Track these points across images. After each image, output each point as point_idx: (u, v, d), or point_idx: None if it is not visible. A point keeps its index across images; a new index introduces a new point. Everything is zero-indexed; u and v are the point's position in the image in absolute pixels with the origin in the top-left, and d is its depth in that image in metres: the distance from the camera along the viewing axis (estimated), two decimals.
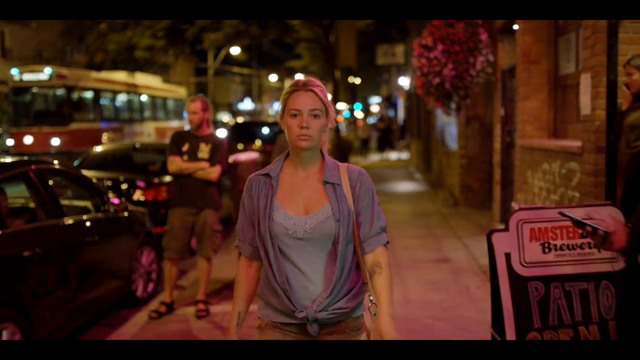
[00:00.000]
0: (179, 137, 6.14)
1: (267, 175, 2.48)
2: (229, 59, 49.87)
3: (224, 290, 6.87)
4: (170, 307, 6.13)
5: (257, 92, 72.68)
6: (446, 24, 8.79)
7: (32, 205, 5.54)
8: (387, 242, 2.49)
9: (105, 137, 20.53)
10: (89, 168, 9.35)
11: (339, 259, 2.38)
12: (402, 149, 33.82)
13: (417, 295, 6.53)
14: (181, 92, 29.76)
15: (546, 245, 2.94)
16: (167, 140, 11.48)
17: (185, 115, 26.12)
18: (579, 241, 2.91)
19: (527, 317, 2.91)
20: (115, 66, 36.66)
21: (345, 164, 2.50)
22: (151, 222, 7.11)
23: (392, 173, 21.18)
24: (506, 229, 2.96)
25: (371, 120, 54.39)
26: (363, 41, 30.23)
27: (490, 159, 11.23)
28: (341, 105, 43.56)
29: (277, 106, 66.45)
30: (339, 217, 2.38)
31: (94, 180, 6.80)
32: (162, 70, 42.83)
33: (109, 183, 8.75)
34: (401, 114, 38.00)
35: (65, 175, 6.00)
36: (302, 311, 2.38)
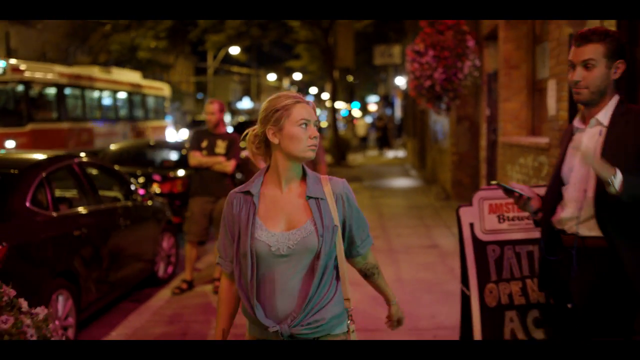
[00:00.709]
0: (199, 135, 6.99)
1: (247, 192, 2.47)
2: (228, 59, 50.55)
3: None
4: (190, 285, 6.98)
5: (256, 91, 73.39)
6: (437, 32, 9.63)
7: (73, 194, 6.38)
8: (372, 242, 2.62)
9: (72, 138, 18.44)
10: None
11: (318, 274, 2.38)
12: (399, 147, 34.65)
13: (409, 274, 7.39)
14: (164, 89, 27.54)
15: (501, 216, 3.81)
16: (147, 142, 12.46)
17: (170, 116, 25.66)
18: (526, 214, 3.76)
19: (487, 273, 3.77)
20: (118, 66, 37.45)
21: (327, 176, 2.53)
22: (170, 211, 7.97)
23: (389, 170, 22.03)
24: (470, 204, 3.82)
25: (369, 119, 55.20)
26: (361, 42, 30.95)
27: (479, 155, 12.09)
28: (340, 104, 44.39)
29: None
30: (322, 232, 2.38)
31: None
32: (164, 70, 43.51)
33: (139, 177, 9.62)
34: (398, 112, 38.85)
35: (99, 168, 6.85)
36: (275, 326, 2.36)
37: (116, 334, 5.67)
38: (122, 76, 22.93)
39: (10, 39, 33.29)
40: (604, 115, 2.76)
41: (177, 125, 40.76)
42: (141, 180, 9.71)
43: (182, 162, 10.25)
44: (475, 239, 3.78)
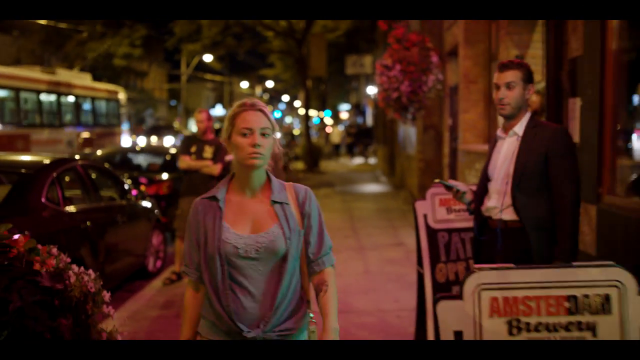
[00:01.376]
0: (188, 140, 7.74)
1: (213, 198, 2.48)
2: (202, 66, 51.00)
3: None
4: (179, 276, 7.71)
5: (229, 99, 73.90)
6: (403, 48, 10.49)
7: (77, 192, 7.09)
8: (334, 262, 2.56)
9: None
10: None
11: (286, 277, 2.41)
12: (370, 155, 35.58)
13: (376, 268, 8.21)
14: (119, 92, 24.75)
15: (449, 209, 4.64)
16: (133, 147, 12.92)
17: (126, 123, 24.17)
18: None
19: (437, 255, 4.60)
20: (93, 73, 37.76)
21: (291, 183, 2.56)
22: (160, 211, 8.70)
23: (360, 176, 22.89)
24: (424, 199, 4.66)
25: (341, 127, 56.09)
26: (333, 52, 31.78)
27: (442, 161, 12.98)
28: (312, 112, 45.20)
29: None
30: (290, 235, 2.41)
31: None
32: (138, 77, 43.88)
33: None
34: (369, 121, 39.79)
35: (98, 169, 7.57)
36: (250, 331, 2.39)
37: (117, 316, 6.39)
38: (68, 78, 20.46)
39: None
40: (520, 127, 3.60)
41: (136, 130, 39.97)
42: (128, 183, 10.40)
43: (167, 166, 10.97)
44: (428, 227, 4.61)
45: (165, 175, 10.70)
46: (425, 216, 4.61)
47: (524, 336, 1.98)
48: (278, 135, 2.51)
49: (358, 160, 32.72)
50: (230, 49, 30.88)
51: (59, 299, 2.70)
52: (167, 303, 6.82)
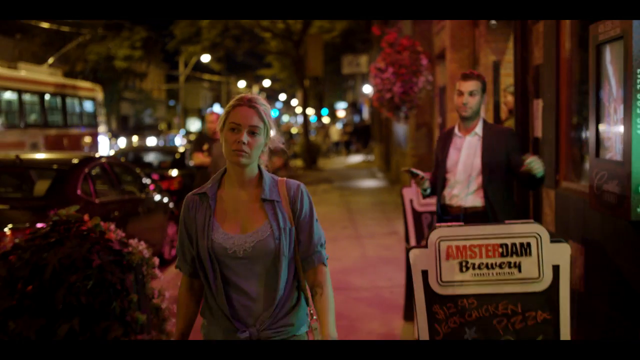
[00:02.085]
0: (201, 139, 8.57)
1: (203, 195, 2.44)
2: (199, 66, 51.63)
3: None
4: None
5: (226, 98, 74.53)
6: (395, 52, 11.33)
7: (105, 186, 7.91)
8: (327, 259, 2.50)
9: None
10: None
11: (281, 276, 2.37)
12: (367, 152, 36.39)
13: (372, 253, 9.05)
14: (95, 90, 22.11)
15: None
16: (145, 146, 13.45)
17: (103, 124, 21.97)
18: None
19: (422, 233, 5.43)
20: (94, 75, 38.39)
21: (284, 178, 2.49)
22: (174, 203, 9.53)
23: (358, 173, 23.73)
24: (410, 186, 5.49)
25: (339, 125, 56.88)
26: (329, 52, 32.57)
27: (433, 157, 13.83)
28: (310, 111, 46.04)
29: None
30: (279, 234, 2.36)
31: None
32: (137, 78, 44.50)
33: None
34: (367, 119, 40.64)
35: (120, 166, 8.39)
36: (245, 331, 2.36)
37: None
38: (34, 74, 18.18)
39: None
40: (479, 128, 4.37)
41: (114, 131, 38.64)
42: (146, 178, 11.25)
43: (177, 164, 11.82)
44: (413, 210, 5.44)
45: (175, 172, 11.54)
46: (411, 201, 5.45)
47: (470, 273, 2.79)
48: (274, 133, 2.44)
49: (356, 158, 33.49)
50: (229, 51, 31.68)
51: (126, 260, 3.53)
52: None
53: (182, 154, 12.59)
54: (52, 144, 17.56)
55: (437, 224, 2.93)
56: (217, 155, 7.87)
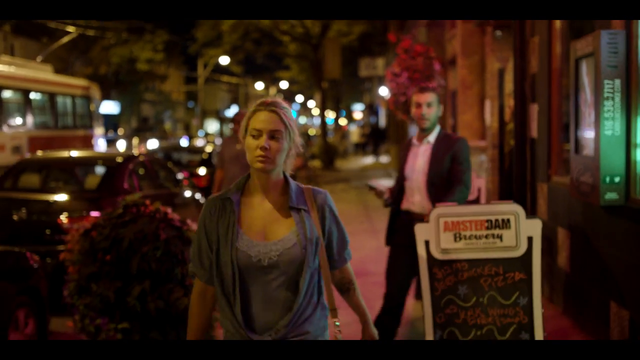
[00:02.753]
0: (232, 138, 9.37)
1: (227, 200, 2.37)
2: (217, 68, 52.36)
3: None
4: None
5: (244, 100, 75.34)
6: (410, 57, 12.09)
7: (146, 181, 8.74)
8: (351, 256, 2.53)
9: None
10: None
11: (302, 286, 2.32)
12: (383, 153, 37.06)
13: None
14: (90, 88, 19.90)
15: None
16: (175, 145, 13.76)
17: (100, 125, 20.17)
18: None
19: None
20: (117, 77, 39.33)
21: (310, 187, 2.46)
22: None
23: (374, 173, 24.47)
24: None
25: (354, 126, 57.55)
26: (347, 54, 33.29)
27: None
28: (329, 114, 46.82)
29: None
30: (305, 243, 2.32)
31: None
32: (157, 79, 45.41)
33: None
34: (383, 121, 41.29)
35: (158, 163, 9.23)
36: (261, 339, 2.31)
37: None
38: (15, 69, 15.77)
39: (15, 50, 35.03)
40: (432, 137, 4.44)
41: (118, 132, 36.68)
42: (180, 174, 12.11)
43: (204, 163, 12.66)
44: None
45: (203, 171, 12.38)
46: None
47: (462, 242, 3.53)
48: (297, 137, 2.40)
49: (370, 159, 34.20)
50: (248, 53, 32.52)
51: (185, 235, 4.33)
52: None
53: (210, 153, 13.42)
54: (38, 148, 14.61)
55: (437, 204, 3.69)
56: (229, 157, 7.99)
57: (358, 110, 61.18)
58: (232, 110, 70.00)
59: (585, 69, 4.55)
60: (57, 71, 24.79)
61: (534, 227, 3.51)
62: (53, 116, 17.15)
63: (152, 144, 30.22)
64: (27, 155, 10.50)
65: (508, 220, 3.50)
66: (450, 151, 4.38)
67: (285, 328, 2.30)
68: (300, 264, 2.31)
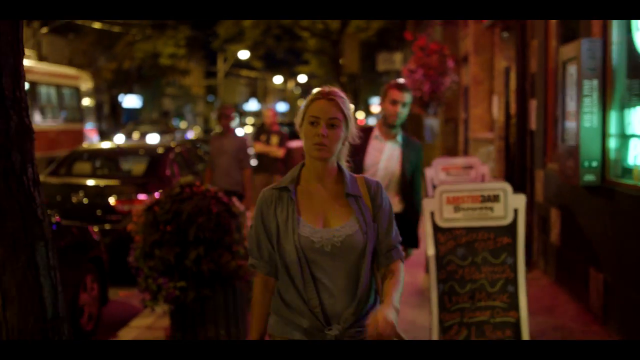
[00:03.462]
0: (260, 130, 10.24)
1: (284, 189, 2.39)
2: (236, 62, 52.98)
3: None
4: None
5: (262, 93, 75.97)
6: (425, 55, 12.87)
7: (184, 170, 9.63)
8: (403, 257, 2.45)
9: None
10: None
11: (363, 273, 2.34)
12: None
13: None
14: (79, 78, 18.82)
15: (447, 173, 7.04)
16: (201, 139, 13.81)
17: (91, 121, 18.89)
18: None
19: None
20: (139, 72, 40.21)
21: (362, 175, 2.48)
22: None
23: None
24: (430, 166, 7.07)
25: (371, 120, 58.07)
26: (365, 49, 33.94)
27: (458, 149, 15.33)
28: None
29: (282, 107, 69.93)
30: (366, 229, 2.34)
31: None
32: (179, 74, 46.26)
33: None
34: None
35: (192, 152, 10.13)
36: (332, 328, 2.33)
37: None
38: None
39: (42, 47, 35.90)
40: (400, 138, 4.54)
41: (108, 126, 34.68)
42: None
43: None
44: (433, 186, 7.01)
45: None
46: (432, 179, 7.02)
47: (461, 213, 4.34)
48: (353, 126, 2.42)
49: None
50: (269, 49, 33.32)
51: (231, 210, 5.19)
52: None
53: None
54: None
55: (439, 183, 4.52)
56: (217, 152, 8.14)
57: (375, 104, 61.59)
58: (250, 104, 70.69)
59: (569, 70, 5.35)
60: (81, 67, 24.96)
61: (519, 201, 4.32)
62: (39, 108, 15.70)
63: (152, 139, 27.72)
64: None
65: (498, 195, 4.31)
66: (416, 157, 4.62)
67: (352, 316, 2.34)
68: (362, 249, 2.34)
